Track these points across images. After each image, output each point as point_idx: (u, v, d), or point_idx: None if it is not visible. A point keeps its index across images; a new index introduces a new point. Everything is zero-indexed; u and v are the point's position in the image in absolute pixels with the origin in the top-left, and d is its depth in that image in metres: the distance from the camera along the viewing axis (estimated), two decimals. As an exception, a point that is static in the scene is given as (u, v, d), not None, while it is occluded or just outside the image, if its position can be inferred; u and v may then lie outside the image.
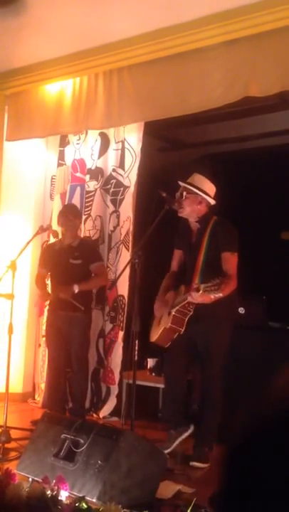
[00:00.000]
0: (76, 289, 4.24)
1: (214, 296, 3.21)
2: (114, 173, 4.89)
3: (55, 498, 2.42)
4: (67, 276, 4.32)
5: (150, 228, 3.59)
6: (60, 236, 4.90)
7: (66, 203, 5.14)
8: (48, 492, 2.46)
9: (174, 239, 3.91)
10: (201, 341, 3.61)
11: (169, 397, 3.79)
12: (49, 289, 4.63)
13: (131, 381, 3.55)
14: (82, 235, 4.83)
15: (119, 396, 4.62)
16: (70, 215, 4.49)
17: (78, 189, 5.12)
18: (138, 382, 3.52)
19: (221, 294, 3.19)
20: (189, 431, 3.62)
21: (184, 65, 4.07)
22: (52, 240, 5.10)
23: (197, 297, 3.31)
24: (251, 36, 3.75)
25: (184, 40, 3.96)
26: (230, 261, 3.54)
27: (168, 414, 3.75)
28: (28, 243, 4.10)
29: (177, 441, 3.47)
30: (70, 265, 4.38)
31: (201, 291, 3.23)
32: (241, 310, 4.27)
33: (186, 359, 3.76)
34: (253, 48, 3.77)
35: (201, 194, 3.66)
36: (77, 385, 4.49)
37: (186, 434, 3.60)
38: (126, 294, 4.65)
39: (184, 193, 3.65)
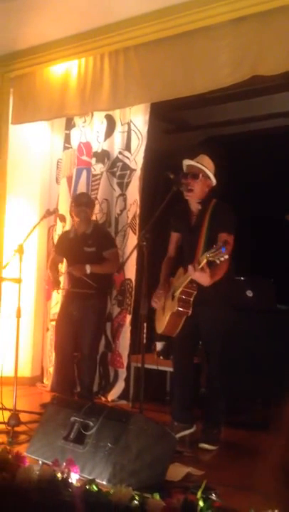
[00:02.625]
0: (88, 269, 4.30)
1: (220, 260, 3.14)
2: (120, 156, 4.84)
3: (65, 481, 2.42)
4: (81, 263, 4.37)
5: (158, 211, 3.56)
6: (67, 220, 4.90)
7: (72, 186, 5.11)
8: (59, 475, 2.46)
9: (170, 221, 3.86)
10: (203, 322, 3.58)
11: (178, 383, 3.78)
12: (61, 278, 4.64)
13: (139, 364, 3.54)
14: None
15: (127, 379, 4.63)
16: (83, 205, 4.49)
17: (84, 172, 5.08)
18: (146, 366, 3.51)
19: (226, 256, 3.10)
20: (191, 430, 3.62)
21: (190, 44, 3.99)
22: (59, 224, 5.10)
23: (197, 268, 3.23)
24: (259, 14, 3.67)
25: (191, 19, 3.88)
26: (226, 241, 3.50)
27: (174, 409, 3.73)
28: (34, 227, 4.08)
29: (178, 436, 3.45)
30: (85, 253, 4.44)
31: (204, 260, 3.17)
32: (249, 293, 4.26)
33: (192, 343, 3.74)
34: (261, 25, 3.69)
35: (211, 176, 3.62)
36: (86, 370, 4.49)
37: (187, 432, 3.61)
38: (133, 278, 4.63)
39: (200, 175, 3.60)
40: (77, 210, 4.50)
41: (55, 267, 4.72)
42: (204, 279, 3.26)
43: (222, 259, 3.13)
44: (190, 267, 3.28)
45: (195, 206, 3.68)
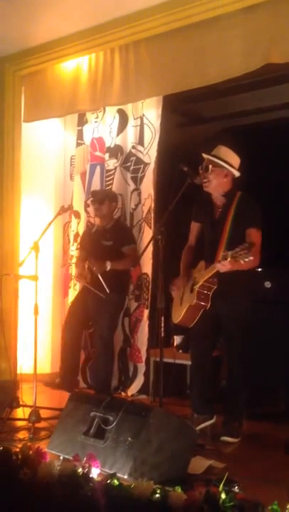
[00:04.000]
0: (108, 265, 4.32)
1: (244, 261, 3.12)
2: (133, 150, 4.82)
3: (86, 476, 2.41)
4: (99, 256, 4.40)
5: (172, 204, 3.54)
6: (81, 217, 4.93)
7: (86, 182, 5.11)
8: (79, 470, 2.45)
9: (191, 211, 3.83)
10: (224, 316, 3.56)
11: (197, 376, 3.76)
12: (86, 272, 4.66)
13: (158, 359, 3.53)
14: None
15: (146, 374, 4.62)
16: (96, 203, 4.52)
17: (98, 168, 5.07)
18: (165, 360, 3.50)
19: (251, 258, 3.09)
20: (211, 421, 3.60)
21: (201, 34, 3.96)
22: (74, 220, 5.12)
23: (226, 264, 3.23)
24: (270, 1, 3.64)
25: (201, 9, 3.86)
26: (255, 236, 3.47)
27: (194, 401, 3.72)
28: (49, 224, 4.08)
29: (198, 428, 3.44)
30: (102, 246, 4.47)
31: (229, 258, 3.16)
32: (267, 284, 4.22)
33: (212, 335, 3.72)
34: (272, 13, 3.65)
35: (227, 167, 3.58)
36: (101, 365, 4.49)
37: (207, 423, 3.58)
38: (150, 272, 4.62)
39: (210, 166, 3.57)
40: (92, 207, 4.56)
41: (81, 264, 4.69)
42: (234, 265, 3.24)
43: (246, 259, 3.11)
44: (221, 262, 3.24)
45: (219, 199, 3.65)
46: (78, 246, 4.94)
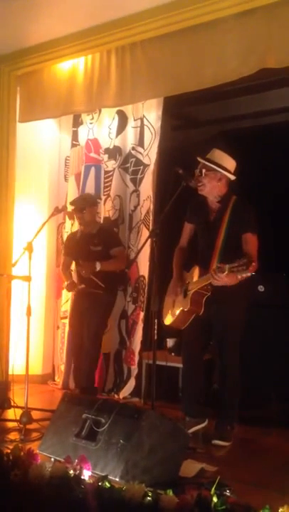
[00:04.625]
0: (98, 266, 4.35)
1: (241, 276, 3.11)
2: (133, 152, 4.82)
3: (77, 478, 2.41)
4: (89, 261, 4.42)
5: (167, 206, 3.53)
6: (74, 218, 4.92)
7: (81, 183, 5.11)
8: (71, 472, 2.44)
9: (186, 211, 3.82)
10: (217, 321, 3.56)
11: (189, 379, 3.77)
12: (74, 278, 4.69)
13: (150, 361, 3.53)
14: (102, 216, 4.86)
15: (138, 376, 4.62)
16: (77, 212, 4.57)
17: (93, 169, 5.07)
18: (158, 362, 3.49)
19: (249, 274, 3.09)
20: (203, 424, 3.60)
21: (197, 38, 3.95)
22: (68, 221, 5.11)
23: (222, 278, 3.21)
24: (266, 6, 3.62)
25: (198, 12, 3.84)
26: (251, 241, 3.47)
27: (185, 404, 3.72)
28: (43, 225, 4.08)
29: (190, 431, 3.43)
30: (91, 252, 4.50)
31: (226, 272, 3.14)
32: (261, 288, 4.22)
33: (202, 339, 3.73)
34: (269, 17, 3.65)
35: (220, 171, 3.58)
36: (86, 361, 4.52)
37: (199, 426, 3.59)
38: (147, 275, 4.62)
39: (204, 170, 3.57)
40: (75, 214, 4.63)
41: (67, 269, 4.80)
42: (231, 279, 3.22)
43: (244, 275, 3.09)
44: (218, 275, 3.20)
45: (214, 203, 3.65)
46: (63, 251, 4.94)
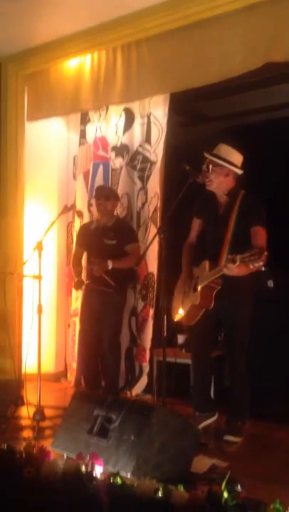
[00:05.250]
0: (110, 265, 4.27)
1: (253, 266, 3.10)
2: (140, 149, 4.82)
3: (89, 474, 2.43)
4: (102, 255, 4.33)
5: (174, 203, 3.54)
6: (84, 216, 4.92)
7: (89, 182, 5.12)
8: (83, 468, 2.47)
9: (193, 206, 3.82)
10: (226, 316, 3.57)
11: (198, 375, 3.77)
12: (83, 275, 4.65)
13: (161, 358, 3.54)
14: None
15: (150, 373, 4.63)
16: (101, 198, 4.47)
17: (101, 167, 5.08)
18: (168, 359, 3.51)
19: (261, 264, 3.07)
20: (213, 418, 3.61)
21: (202, 33, 3.95)
22: (77, 220, 5.12)
23: (233, 268, 3.20)
24: (271, 0, 3.62)
25: (202, 8, 3.85)
26: (260, 235, 3.46)
27: (195, 399, 3.73)
28: (52, 223, 4.09)
29: (201, 426, 3.45)
30: (105, 245, 4.40)
31: (238, 262, 3.15)
32: (270, 283, 4.21)
33: (212, 335, 3.73)
34: (273, 11, 3.65)
35: (227, 166, 3.57)
36: (109, 363, 4.50)
37: (209, 421, 3.60)
38: (155, 272, 4.63)
39: (210, 166, 3.57)
40: (96, 203, 4.51)
41: (78, 262, 4.71)
42: (242, 269, 3.21)
43: (256, 264, 3.07)
44: (228, 265, 3.20)
45: (222, 197, 3.65)
46: (76, 241, 4.86)
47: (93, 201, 4.62)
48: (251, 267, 3.09)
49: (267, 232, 3.52)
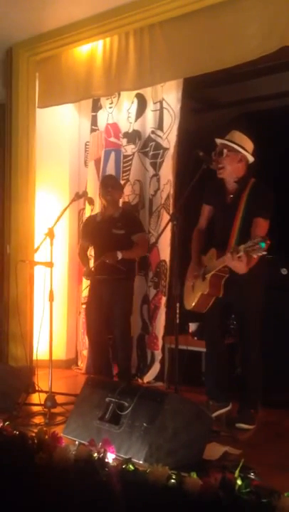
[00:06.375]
0: (119, 255, 4.28)
1: (257, 255, 3.08)
2: (152, 136, 4.78)
3: (102, 461, 2.42)
4: (111, 246, 4.35)
5: (187, 189, 3.50)
6: (95, 203, 4.90)
7: (101, 168, 5.09)
8: (95, 455, 2.46)
9: (204, 192, 3.77)
10: (237, 303, 3.54)
11: (212, 363, 3.75)
12: (91, 263, 4.64)
13: (173, 346, 3.52)
14: (121, 201, 4.78)
15: (162, 361, 4.62)
16: (109, 186, 4.48)
17: (113, 154, 5.05)
18: (180, 347, 3.48)
19: (265, 252, 3.05)
20: (227, 408, 3.59)
21: (217, 17, 3.88)
22: (88, 207, 5.10)
23: (232, 260, 3.16)
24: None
25: (216, -9, 3.79)
26: (261, 227, 3.40)
27: (209, 388, 3.71)
28: (64, 210, 4.07)
29: (214, 415, 3.43)
30: (113, 235, 4.41)
31: (241, 253, 3.11)
32: (284, 271, 4.17)
33: (224, 323, 3.71)
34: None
35: (241, 151, 3.53)
36: (121, 351, 4.50)
37: (223, 411, 3.58)
38: (168, 259, 4.60)
39: (225, 151, 3.52)
40: (103, 192, 4.50)
41: (84, 254, 4.74)
42: (240, 268, 3.20)
43: (259, 254, 3.05)
44: (228, 256, 3.19)
45: (232, 185, 3.60)
46: (81, 235, 4.86)
47: (100, 190, 4.59)
48: (255, 256, 3.06)
49: (279, 220, 3.47)
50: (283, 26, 3.61)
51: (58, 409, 3.65)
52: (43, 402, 3.69)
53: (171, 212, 4.51)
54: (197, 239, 3.80)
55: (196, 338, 4.42)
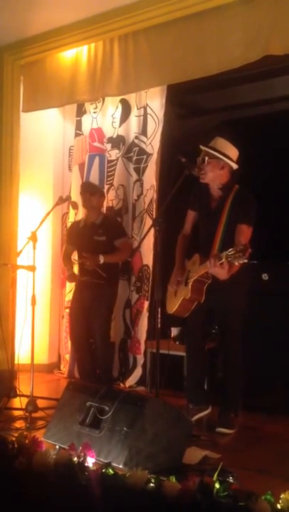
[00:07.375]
0: (101, 259, 4.32)
1: (238, 263, 3.12)
2: (136, 141, 4.81)
3: (81, 465, 2.43)
4: (93, 252, 4.39)
5: (170, 194, 3.53)
6: (79, 208, 4.92)
7: (85, 173, 5.11)
8: (75, 459, 2.46)
9: (189, 198, 3.81)
10: (219, 308, 3.57)
11: (192, 367, 3.78)
12: (75, 269, 4.66)
13: (154, 350, 3.54)
14: (105, 206, 4.81)
15: (144, 365, 4.63)
16: (87, 193, 4.52)
17: (97, 159, 5.07)
18: (162, 351, 3.50)
19: (246, 260, 3.08)
20: (206, 411, 3.61)
21: (201, 25, 3.92)
22: (71, 211, 5.11)
23: (214, 266, 3.20)
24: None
25: (201, -1, 3.82)
26: (245, 234, 3.45)
27: (189, 391, 3.73)
28: (47, 214, 4.08)
29: (194, 418, 3.45)
30: (95, 242, 4.46)
31: (223, 259, 3.15)
32: (265, 276, 4.21)
33: (205, 327, 3.74)
34: (273, 3, 3.62)
35: (223, 158, 3.56)
36: (101, 355, 4.53)
37: (203, 414, 3.60)
38: (151, 264, 4.62)
39: (206, 158, 3.56)
40: (82, 199, 4.57)
41: (68, 258, 4.76)
42: (222, 274, 3.24)
43: (241, 261, 3.09)
44: (210, 262, 3.23)
45: (216, 191, 3.64)
46: (66, 239, 4.91)
47: (80, 194, 4.63)
48: (236, 263, 3.11)
49: (261, 226, 3.51)
50: (266, 35, 3.65)
51: (39, 414, 3.64)
52: (24, 407, 3.68)
53: (154, 217, 4.53)
54: (181, 244, 3.84)
55: (177, 342, 4.44)
